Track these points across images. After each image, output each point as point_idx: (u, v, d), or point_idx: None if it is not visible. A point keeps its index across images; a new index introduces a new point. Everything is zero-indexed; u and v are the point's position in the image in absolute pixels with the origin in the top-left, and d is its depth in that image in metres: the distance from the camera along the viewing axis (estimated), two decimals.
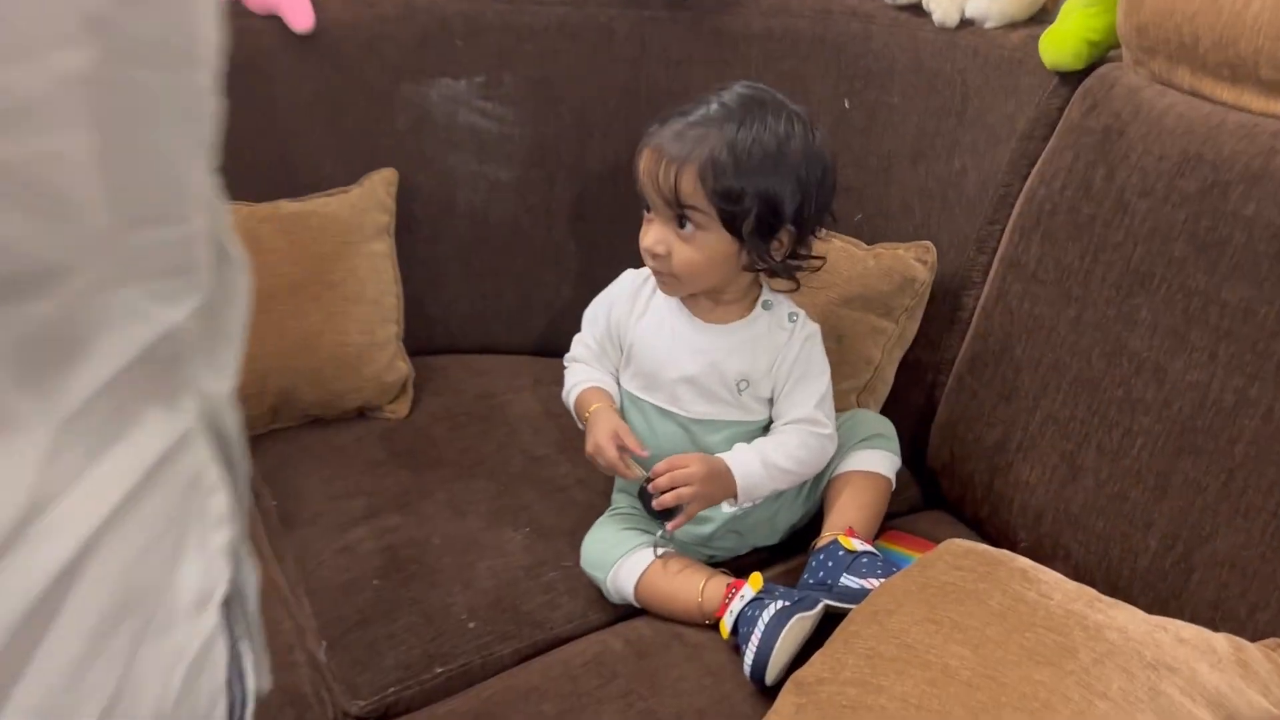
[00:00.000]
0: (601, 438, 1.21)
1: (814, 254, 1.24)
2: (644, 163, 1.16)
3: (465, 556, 1.36)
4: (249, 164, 1.69)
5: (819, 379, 1.27)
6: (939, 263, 1.41)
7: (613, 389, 1.31)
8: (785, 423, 1.26)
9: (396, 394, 1.67)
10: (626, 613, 1.28)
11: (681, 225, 1.17)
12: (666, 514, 1.20)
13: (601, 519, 1.33)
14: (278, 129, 1.70)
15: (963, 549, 1.11)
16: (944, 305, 1.43)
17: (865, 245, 1.47)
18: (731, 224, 1.16)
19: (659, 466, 1.20)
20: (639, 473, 1.23)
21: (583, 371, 1.33)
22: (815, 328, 1.29)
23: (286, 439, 1.62)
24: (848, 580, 1.19)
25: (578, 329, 1.37)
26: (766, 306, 1.28)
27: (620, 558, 1.25)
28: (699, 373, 1.25)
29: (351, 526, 1.43)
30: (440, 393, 1.70)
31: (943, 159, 1.46)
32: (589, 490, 1.48)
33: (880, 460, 1.32)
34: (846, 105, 1.55)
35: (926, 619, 1.04)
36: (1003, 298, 1.34)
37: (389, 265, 1.68)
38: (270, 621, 1.29)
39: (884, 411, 1.45)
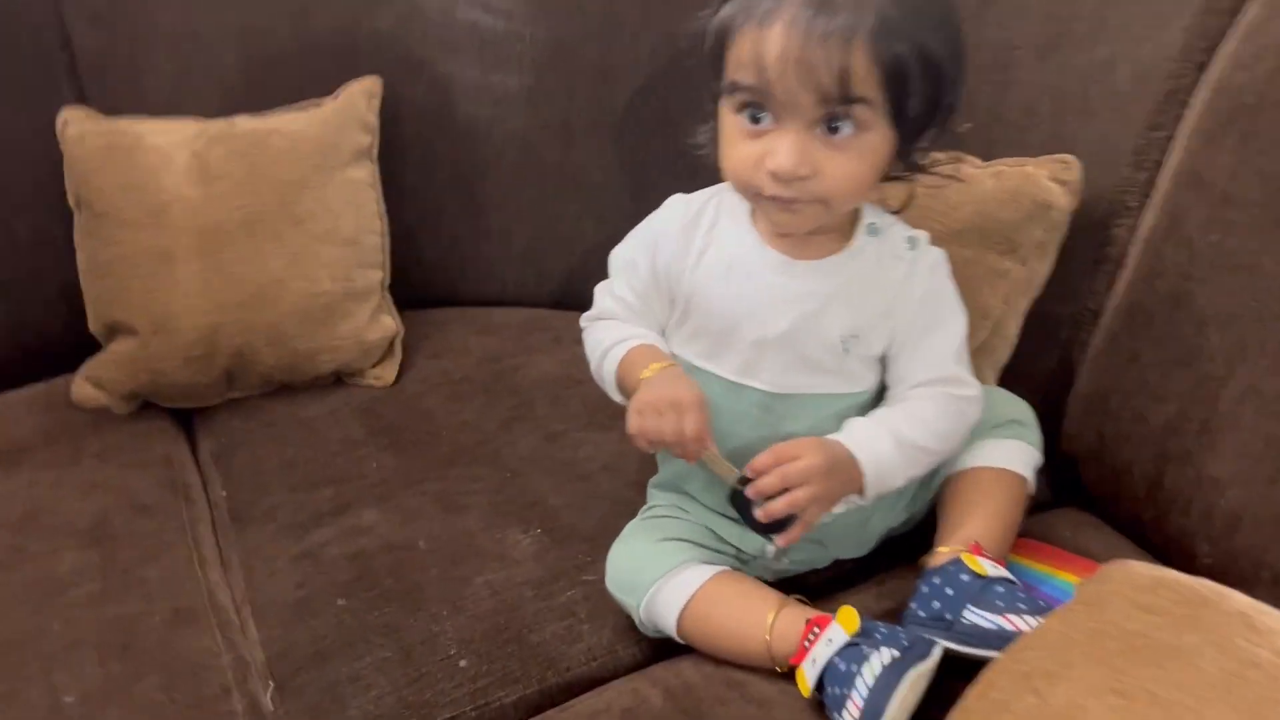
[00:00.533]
0: (690, 414, 0.88)
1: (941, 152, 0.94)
2: (769, 46, 0.81)
3: (458, 568, 1.05)
4: (198, 71, 1.38)
5: (953, 322, 0.96)
6: (1081, 183, 1.07)
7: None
8: (912, 387, 0.95)
9: (381, 356, 1.35)
10: (667, 649, 0.96)
11: (833, 129, 0.84)
12: (775, 525, 0.88)
13: (633, 525, 1.01)
14: (234, 28, 1.39)
15: (1147, 578, 0.78)
16: (1086, 240, 1.09)
17: (980, 161, 1.13)
18: (900, 112, 0.84)
19: (761, 460, 0.88)
20: (728, 470, 0.90)
21: (618, 329, 1.00)
22: (940, 253, 0.96)
23: (244, 412, 1.31)
24: (975, 616, 0.87)
25: (602, 275, 1.03)
26: (873, 231, 0.95)
27: (658, 580, 0.93)
28: (790, 330, 0.93)
29: (315, 525, 1.12)
30: (436, 354, 1.39)
31: (1083, 47, 1.11)
32: (618, 479, 1.16)
33: (1016, 454, 0.99)
34: None
35: (1110, 689, 0.72)
36: (1176, 227, 0.99)
37: (371, 196, 1.36)
38: (201, 654, 0.98)
39: (1004, 379, 1.11)
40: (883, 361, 0.97)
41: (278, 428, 1.27)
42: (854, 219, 0.96)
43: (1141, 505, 1.00)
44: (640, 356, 0.96)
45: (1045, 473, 1.04)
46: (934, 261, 0.96)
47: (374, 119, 1.37)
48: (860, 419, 0.94)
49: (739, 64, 0.83)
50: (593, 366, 1.02)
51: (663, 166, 1.41)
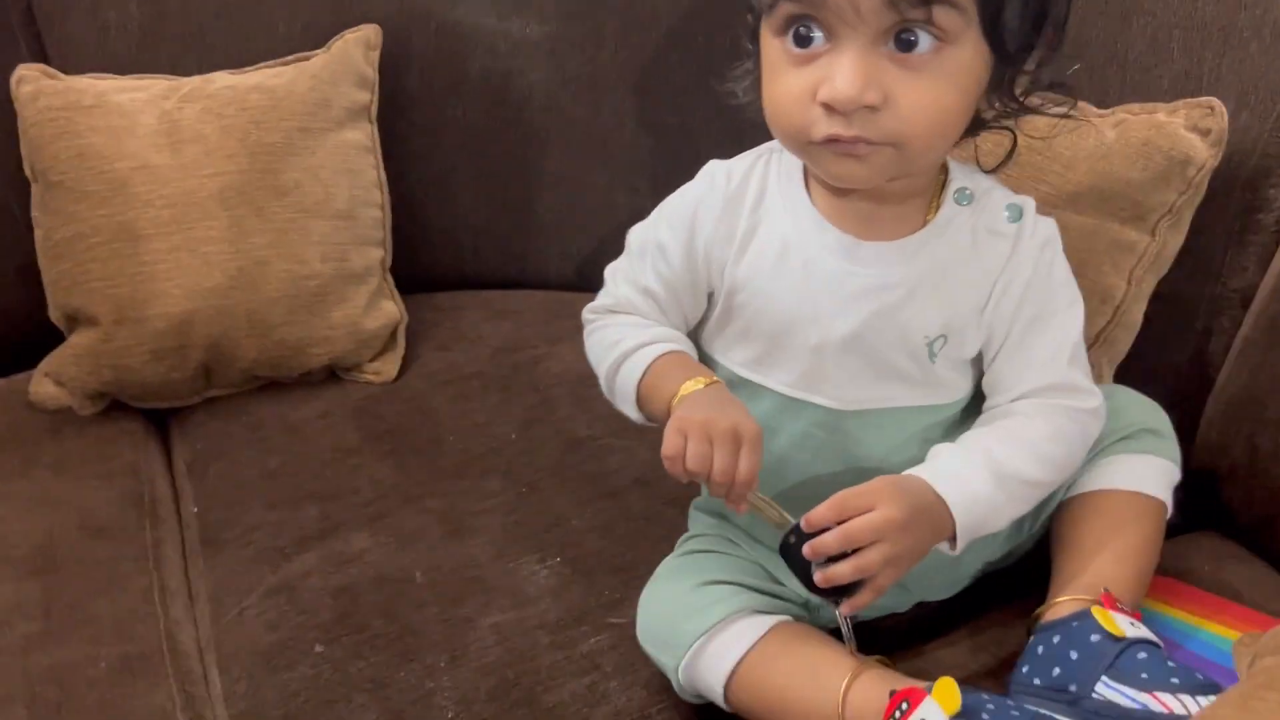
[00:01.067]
0: (749, 451, 0.69)
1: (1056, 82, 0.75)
2: None
3: (460, 606, 0.88)
4: (172, 20, 1.20)
5: (1068, 314, 0.76)
6: (1227, 132, 0.86)
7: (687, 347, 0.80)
8: (1016, 398, 0.75)
9: (381, 347, 1.17)
10: (712, 716, 0.78)
11: (907, 44, 0.65)
12: (838, 590, 0.69)
13: (670, 562, 0.82)
14: None
15: None
16: (1229, 204, 0.88)
17: (1098, 109, 0.92)
18: (996, 21, 0.66)
19: (820, 513, 0.68)
20: (779, 516, 0.71)
21: (640, 329, 0.80)
22: (1052, 225, 0.77)
23: (225, 412, 1.14)
24: (1111, 690, 0.68)
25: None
26: (964, 198, 0.75)
27: (701, 635, 0.75)
28: (860, 330, 0.73)
29: (297, 551, 0.95)
30: (444, 345, 1.21)
31: None
32: (654, 496, 0.98)
33: (1151, 472, 0.80)
34: None
35: None
36: None
37: (369, 162, 1.18)
38: (151, 714, 0.81)
39: (1125, 374, 0.91)
40: (978, 364, 0.77)
41: (262, 431, 1.10)
42: (940, 183, 0.76)
43: None
44: (673, 367, 0.76)
45: (1175, 489, 0.84)
46: (1045, 237, 0.76)
47: (373, 73, 1.19)
48: (948, 446, 0.74)
49: None
50: (601, 371, 0.82)
51: (704, 127, 1.23)
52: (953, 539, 0.71)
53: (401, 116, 1.24)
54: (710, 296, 0.79)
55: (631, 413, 0.80)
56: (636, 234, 0.83)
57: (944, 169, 0.76)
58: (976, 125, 0.74)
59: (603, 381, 0.82)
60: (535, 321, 1.25)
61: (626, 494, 0.99)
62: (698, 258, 0.77)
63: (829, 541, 0.67)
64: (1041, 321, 0.75)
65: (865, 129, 0.66)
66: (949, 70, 0.66)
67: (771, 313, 0.75)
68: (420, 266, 1.28)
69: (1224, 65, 0.89)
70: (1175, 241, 0.89)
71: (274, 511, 0.99)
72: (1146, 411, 0.83)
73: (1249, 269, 0.88)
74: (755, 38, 0.73)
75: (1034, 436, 0.73)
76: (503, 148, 1.28)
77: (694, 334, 0.82)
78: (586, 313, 0.86)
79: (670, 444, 0.70)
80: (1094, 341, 0.91)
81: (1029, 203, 0.77)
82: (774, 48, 0.69)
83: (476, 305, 1.28)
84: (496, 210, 1.30)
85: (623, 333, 0.80)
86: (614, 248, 1.24)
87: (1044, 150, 0.89)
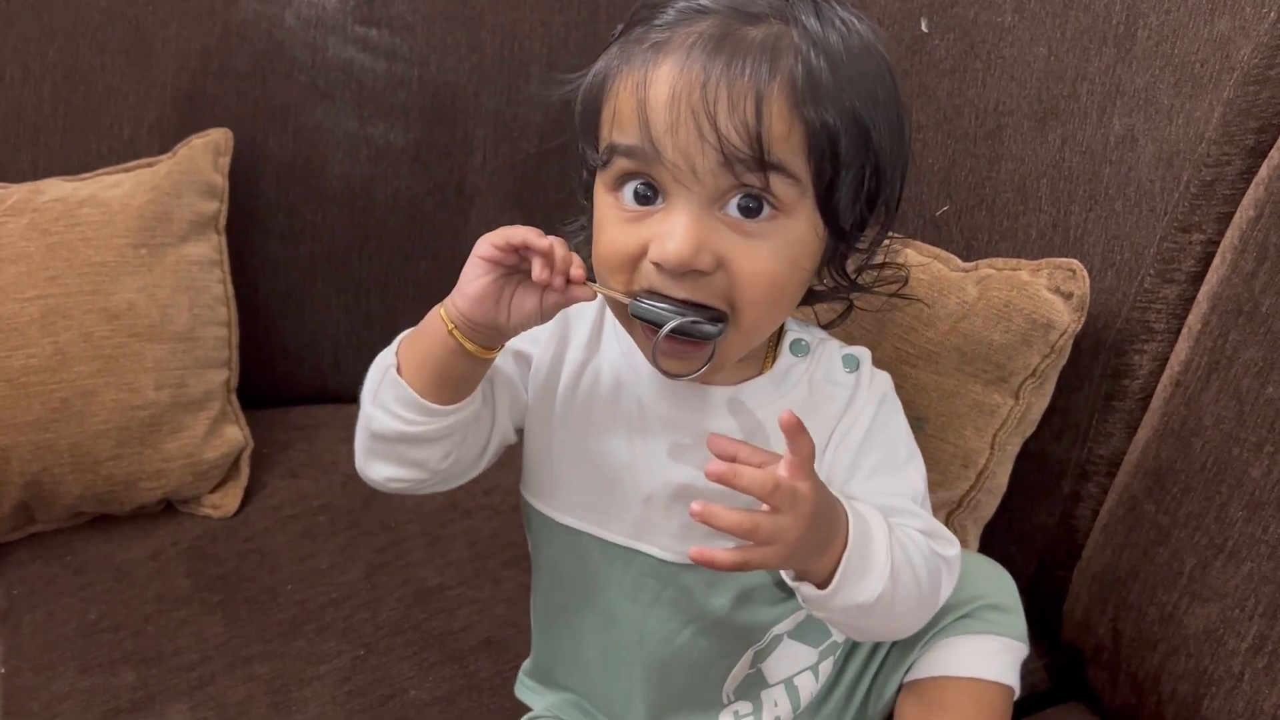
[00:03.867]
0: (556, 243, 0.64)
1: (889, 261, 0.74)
2: (657, 89, 0.61)
3: None
4: (6, 118, 1.13)
5: (911, 466, 0.72)
6: (1089, 295, 0.83)
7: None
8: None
9: (222, 478, 1.09)
10: None
11: (746, 212, 0.62)
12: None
13: None
14: (53, 64, 1.14)
15: None
16: (1097, 367, 0.85)
17: (961, 262, 0.89)
18: (830, 195, 0.63)
19: (726, 446, 0.61)
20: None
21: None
22: (887, 379, 0.74)
23: (49, 550, 1.05)
24: None
25: None
26: (799, 350, 0.72)
27: None
28: (695, 480, 0.69)
29: None
30: (294, 471, 1.13)
31: (1092, 118, 0.87)
32: (501, 661, 0.92)
33: (996, 656, 0.75)
34: (925, 28, 0.96)
35: None
36: (1221, 368, 0.75)
37: (213, 277, 1.10)
38: None
39: (990, 530, 0.87)
40: None
41: (85, 575, 1.02)
42: (775, 334, 0.72)
43: None
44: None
45: (1040, 654, 0.81)
46: (883, 390, 0.73)
47: (222, 180, 1.12)
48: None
49: (618, 120, 0.63)
50: (366, 414, 0.70)
51: (578, 239, 1.17)
52: (832, 569, 0.63)
53: (255, 224, 1.17)
54: (522, 432, 0.74)
55: (399, 417, 0.68)
56: None
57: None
58: (810, 297, 0.71)
59: (368, 424, 0.70)
60: None
61: (474, 657, 0.92)
62: (526, 369, 0.73)
63: (744, 478, 0.58)
64: (884, 471, 0.71)
65: (694, 292, 0.62)
66: (783, 240, 0.63)
67: (600, 456, 0.70)
68: (275, 380, 1.21)
69: (1090, 220, 0.86)
70: (1040, 404, 0.85)
71: (86, 676, 0.91)
72: (990, 581, 0.78)
73: (1115, 435, 0.85)
74: (589, 193, 0.68)
75: (911, 542, 0.68)
76: (365, 257, 1.21)
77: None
78: (374, 369, 0.72)
79: (480, 249, 0.64)
80: (957, 506, 0.87)
81: (865, 353, 0.73)
82: (607, 203, 0.65)
83: (335, 422, 1.20)
84: (358, 322, 1.23)
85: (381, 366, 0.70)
86: None
87: (904, 307, 0.85)
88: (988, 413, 0.85)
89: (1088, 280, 0.82)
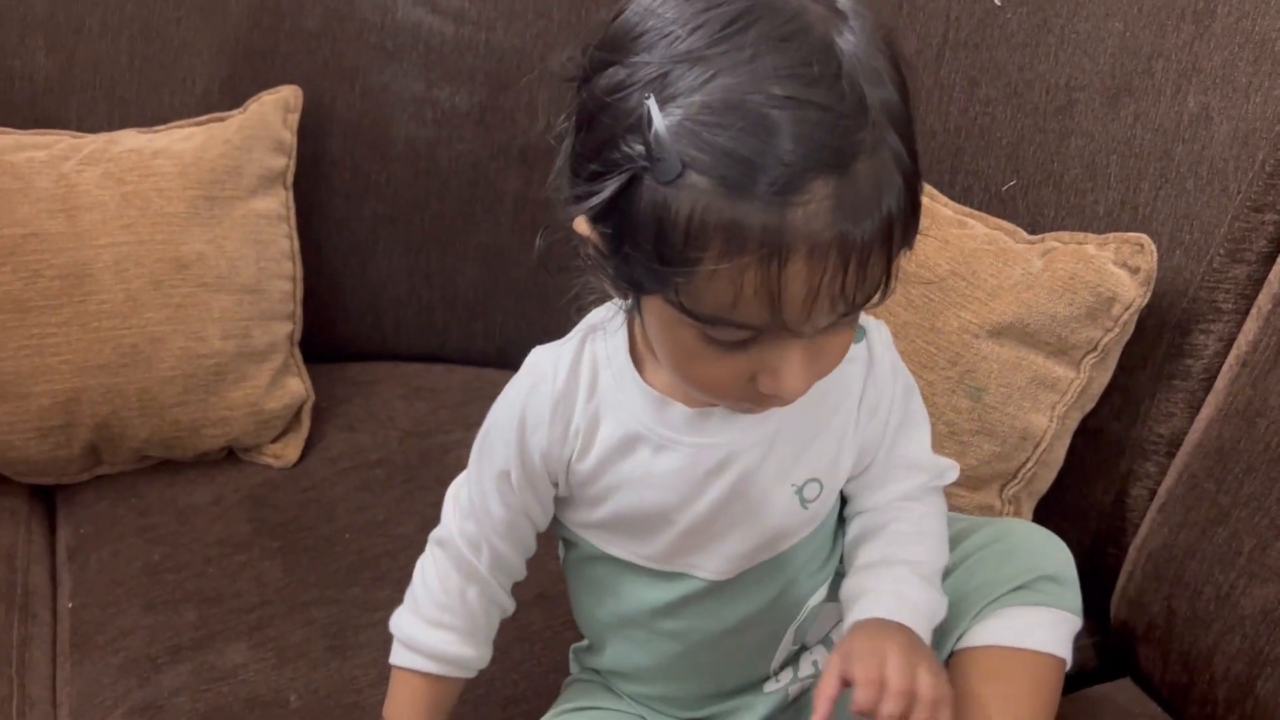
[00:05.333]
0: None
1: None
2: (792, 287, 0.54)
3: None
4: (79, 71, 1.14)
5: (915, 399, 0.75)
6: (1156, 271, 0.82)
7: (469, 671, 0.78)
8: (899, 499, 0.74)
9: (283, 429, 1.12)
10: None
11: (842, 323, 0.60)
12: None
13: (549, 719, 0.77)
14: (129, 19, 1.15)
15: None
16: (1161, 346, 0.85)
17: (1027, 235, 0.88)
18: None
19: (862, 696, 0.62)
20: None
21: (436, 609, 0.75)
22: (888, 337, 0.74)
23: (114, 491, 1.08)
24: None
25: (561, 331, 0.76)
26: None
27: None
28: (727, 500, 0.69)
29: (169, 662, 0.90)
30: (353, 425, 1.15)
31: (1166, 95, 0.86)
32: (554, 615, 0.94)
33: (1051, 628, 0.75)
34: (997, 1, 0.95)
35: None
36: None
37: (280, 232, 1.12)
38: None
39: (1045, 506, 0.87)
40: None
41: (150, 517, 1.04)
42: None
43: (1222, 713, 0.76)
44: (405, 695, 0.76)
45: (1089, 631, 0.80)
46: (891, 357, 0.73)
47: (291, 137, 1.14)
48: (871, 576, 0.71)
49: (737, 304, 0.55)
50: (406, 609, 0.78)
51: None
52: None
53: (321, 182, 1.19)
54: (556, 484, 0.72)
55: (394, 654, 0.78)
56: (480, 450, 0.74)
57: None
58: None
59: (407, 616, 0.78)
60: (452, 400, 1.19)
61: (526, 611, 0.92)
62: (534, 466, 0.70)
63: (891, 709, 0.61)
64: (907, 423, 0.73)
65: (789, 399, 0.61)
66: (843, 336, 0.62)
67: (628, 504, 0.70)
68: (336, 337, 1.23)
69: (1160, 198, 0.85)
70: (1101, 379, 0.85)
71: (150, 614, 0.94)
72: (1046, 554, 0.78)
73: (1176, 415, 0.85)
74: (620, 284, 0.61)
75: (932, 528, 0.72)
76: (427, 218, 1.22)
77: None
78: (432, 537, 0.79)
79: None
80: (1013, 477, 0.87)
81: (867, 321, 0.72)
82: (689, 334, 0.58)
83: (392, 380, 1.22)
84: (419, 282, 1.24)
85: (424, 603, 0.76)
86: (539, 326, 1.20)
87: (968, 276, 0.85)
88: (1048, 385, 0.85)
89: (1155, 255, 0.82)
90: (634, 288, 0.59)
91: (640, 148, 0.53)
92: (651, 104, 0.52)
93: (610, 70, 0.55)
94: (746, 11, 0.53)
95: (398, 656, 0.76)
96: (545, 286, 1.22)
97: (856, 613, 0.69)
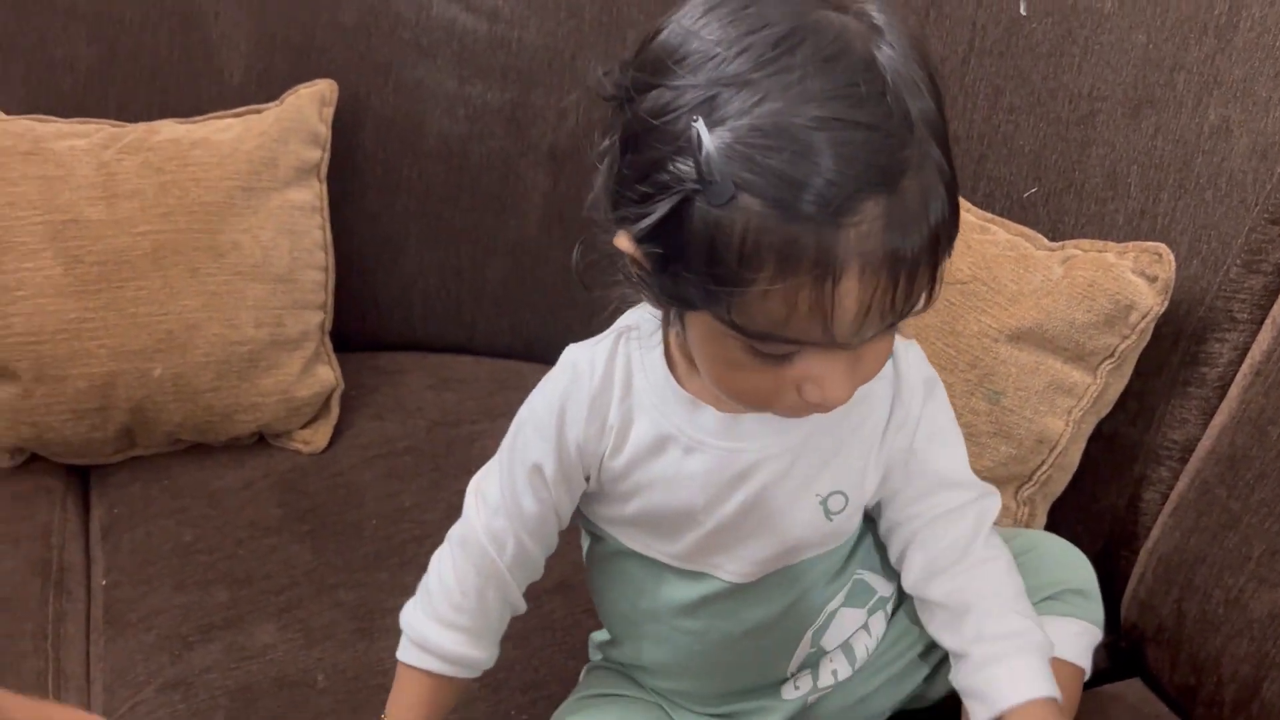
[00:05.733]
0: None
1: None
2: (845, 303, 0.55)
3: (360, 714, 0.84)
4: (121, 61, 1.16)
5: (955, 426, 0.76)
6: (1174, 281, 0.84)
7: (475, 672, 0.78)
8: (942, 514, 0.74)
9: (313, 415, 1.14)
10: None
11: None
12: None
13: (568, 705, 0.80)
14: (169, 11, 1.18)
15: None
16: (1176, 353, 0.86)
17: (1048, 241, 0.90)
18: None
19: None
20: None
21: (448, 608, 0.76)
22: (921, 356, 0.75)
23: (147, 473, 1.11)
24: None
25: (586, 327, 0.78)
26: None
27: None
28: (753, 504, 0.70)
29: (200, 640, 0.92)
30: (381, 414, 1.17)
31: (1187, 107, 0.88)
32: (575, 603, 0.96)
33: (1073, 638, 0.77)
34: (1024, 10, 0.96)
35: None
36: None
37: (313, 223, 1.15)
38: None
39: (1058, 508, 0.89)
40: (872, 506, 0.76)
41: (182, 500, 1.07)
42: None
43: (1229, 714, 0.78)
44: (408, 693, 0.77)
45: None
46: (925, 373, 0.74)
47: (325, 130, 1.16)
48: (986, 657, 0.71)
49: (791, 321, 0.56)
50: (418, 606, 0.78)
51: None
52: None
53: (354, 174, 1.21)
54: (586, 479, 0.74)
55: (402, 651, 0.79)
56: (509, 455, 0.75)
57: None
58: None
59: (416, 606, 0.79)
60: (479, 392, 1.22)
61: (548, 599, 0.96)
62: (570, 459, 0.72)
63: None
64: (938, 437, 0.74)
65: (833, 405, 0.62)
66: (885, 344, 0.63)
67: (656, 502, 0.71)
68: (366, 326, 1.25)
69: (1178, 208, 0.87)
70: (1117, 385, 0.87)
71: (182, 593, 0.96)
72: (1073, 568, 0.80)
73: (1190, 421, 0.86)
74: (660, 298, 0.62)
75: (1005, 573, 0.72)
76: (457, 212, 1.24)
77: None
78: (451, 532, 0.80)
79: None
80: (1028, 479, 0.89)
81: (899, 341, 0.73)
82: (732, 346, 0.60)
83: (421, 369, 1.25)
84: (448, 275, 1.26)
85: (439, 594, 0.77)
86: (565, 321, 1.23)
87: (989, 281, 0.87)
88: (1065, 390, 0.86)
89: (1173, 264, 0.83)
90: (681, 304, 0.60)
91: (691, 170, 0.54)
92: (701, 127, 0.53)
93: (654, 92, 0.56)
94: (790, 34, 0.54)
95: (406, 654, 0.77)
96: (571, 283, 1.23)
97: (1003, 696, 0.69)
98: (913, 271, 0.55)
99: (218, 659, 0.90)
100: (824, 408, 0.61)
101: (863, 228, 0.53)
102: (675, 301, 0.60)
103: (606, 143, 0.61)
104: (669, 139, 0.55)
